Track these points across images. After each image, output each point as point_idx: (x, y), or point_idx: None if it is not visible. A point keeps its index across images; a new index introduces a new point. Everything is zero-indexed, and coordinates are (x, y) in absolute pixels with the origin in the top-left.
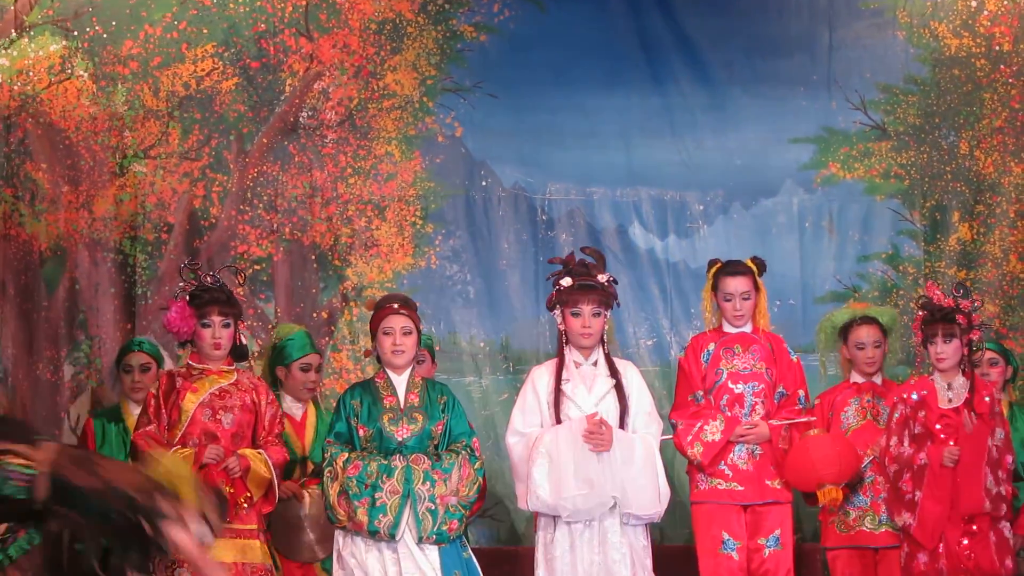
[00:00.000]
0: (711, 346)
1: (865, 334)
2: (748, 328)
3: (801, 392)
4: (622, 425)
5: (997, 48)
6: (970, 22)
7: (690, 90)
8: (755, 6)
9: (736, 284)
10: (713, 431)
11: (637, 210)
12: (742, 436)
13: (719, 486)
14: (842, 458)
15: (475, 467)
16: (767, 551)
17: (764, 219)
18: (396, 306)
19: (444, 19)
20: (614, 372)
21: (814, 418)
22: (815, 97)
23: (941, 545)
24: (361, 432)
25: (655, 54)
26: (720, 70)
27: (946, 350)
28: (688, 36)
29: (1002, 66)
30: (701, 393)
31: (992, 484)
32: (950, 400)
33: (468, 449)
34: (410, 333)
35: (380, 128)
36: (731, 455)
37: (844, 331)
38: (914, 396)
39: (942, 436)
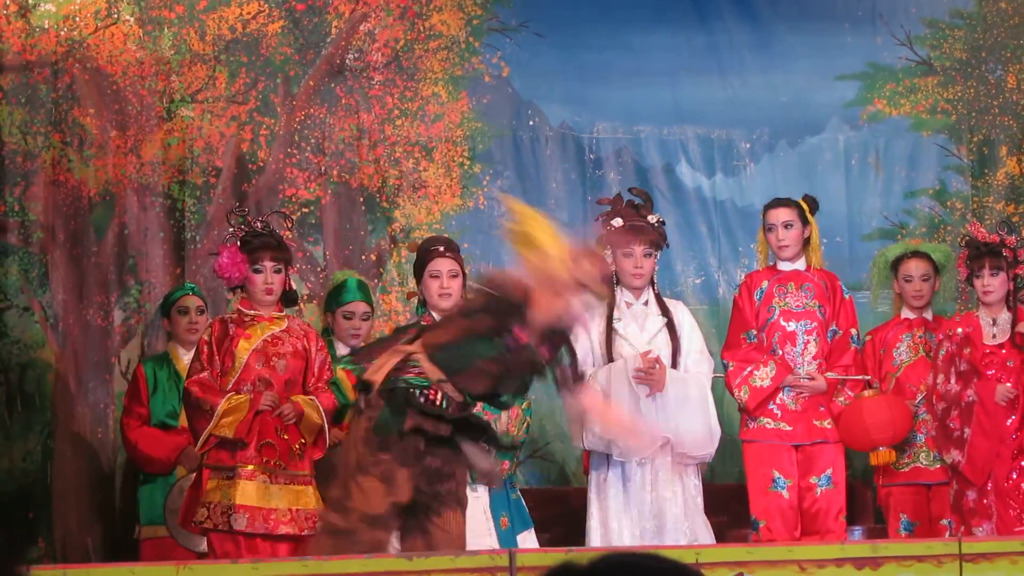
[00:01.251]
0: (764, 283)
1: (914, 267)
2: (802, 265)
3: (854, 331)
4: (674, 364)
5: None
6: None
7: (735, 27)
8: None
9: (777, 215)
10: (763, 376)
11: (684, 148)
12: (798, 387)
13: (768, 425)
14: (895, 421)
15: (523, 407)
16: (819, 490)
17: (810, 157)
18: (442, 248)
19: None
20: (665, 311)
21: (870, 377)
22: (860, 33)
23: (990, 483)
24: None
25: None
26: (765, 7)
27: (993, 283)
28: None
29: None
30: (754, 332)
31: None
32: (994, 336)
33: None
34: (456, 276)
35: (426, 69)
36: (780, 395)
37: (895, 265)
38: (959, 332)
39: (989, 372)
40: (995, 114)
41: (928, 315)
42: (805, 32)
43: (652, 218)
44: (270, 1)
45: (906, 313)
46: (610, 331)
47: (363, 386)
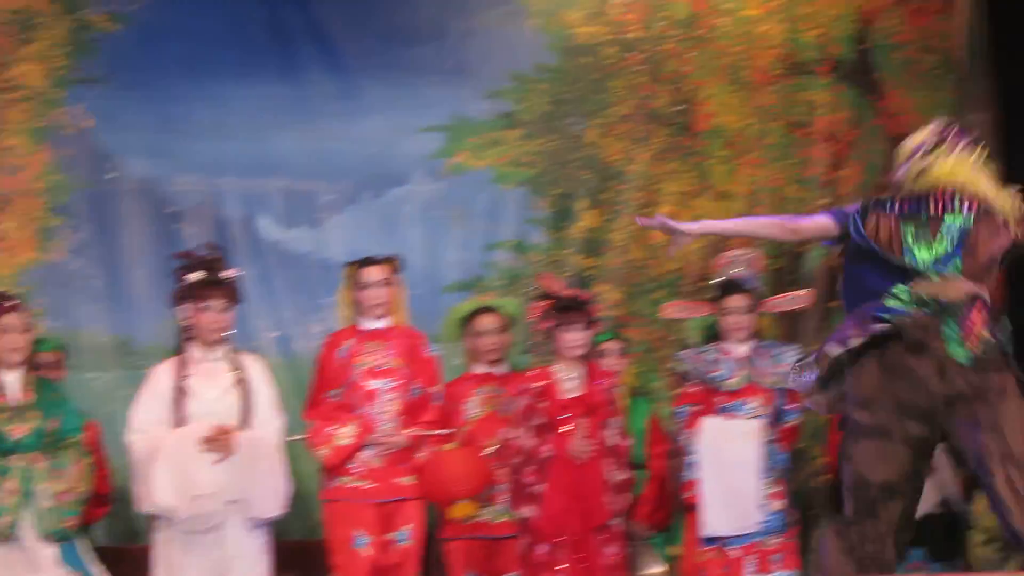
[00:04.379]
0: (347, 342)
1: (487, 322)
2: (386, 324)
3: (436, 389)
4: (246, 420)
5: (627, 36)
6: (601, 10)
7: (322, 79)
8: None
9: (370, 273)
10: (346, 435)
11: (266, 201)
12: (378, 445)
13: (349, 483)
14: (474, 475)
15: (88, 462)
16: (398, 546)
17: (392, 208)
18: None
19: (77, 8)
20: (238, 366)
21: (451, 430)
22: (446, 85)
23: (562, 537)
24: None
25: (287, 43)
26: (352, 59)
27: (578, 338)
28: (320, 24)
29: (630, 54)
30: (337, 390)
31: (613, 474)
32: (571, 390)
33: (79, 444)
34: (26, 331)
35: (7, 120)
36: (362, 452)
37: (467, 321)
38: (535, 386)
39: (565, 427)
40: (575, 167)
41: (501, 369)
42: (391, 84)
43: (228, 272)
44: None
45: (477, 368)
46: (181, 389)
47: None
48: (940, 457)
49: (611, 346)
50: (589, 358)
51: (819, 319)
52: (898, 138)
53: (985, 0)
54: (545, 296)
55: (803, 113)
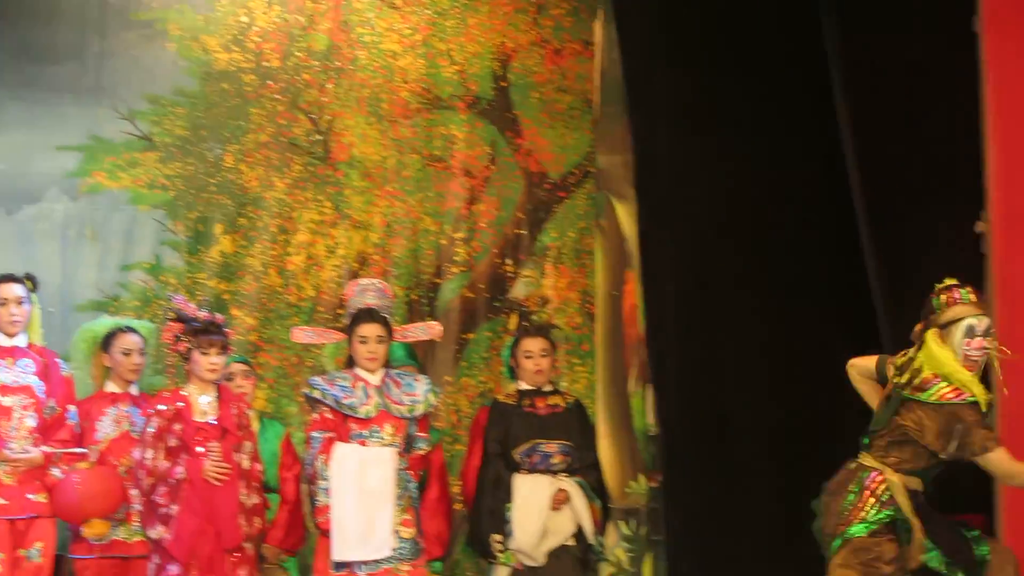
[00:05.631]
0: None
1: (129, 342)
2: (22, 342)
3: (71, 407)
4: None
5: (266, 64)
6: (240, 37)
7: None
8: (25, 11)
9: (6, 290)
10: None
11: None
12: (10, 462)
13: None
14: (109, 493)
15: None
16: (29, 563)
17: (27, 226)
18: None
19: None
20: None
21: (86, 450)
22: (83, 104)
23: (195, 559)
24: None
25: None
26: None
27: (213, 361)
28: None
29: (269, 82)
30: None
31: (245, 497)
32: (205, 413)
33: None
34: None
35: None
36: None
37: (103, 340)
38: (169, 408)
39: (198, 449)
40: (212, 192)
41: (134, 390)
42: (28, 100)
43: None
44: None
45: (111, 387)
46: None
47: None
48: (574, 488)
49: (237, 368)
50: (222, 381)
51: (453, 350)
52: (535, 175)
53: (620, 45)
54: (179, 319)
55: (441, 147)
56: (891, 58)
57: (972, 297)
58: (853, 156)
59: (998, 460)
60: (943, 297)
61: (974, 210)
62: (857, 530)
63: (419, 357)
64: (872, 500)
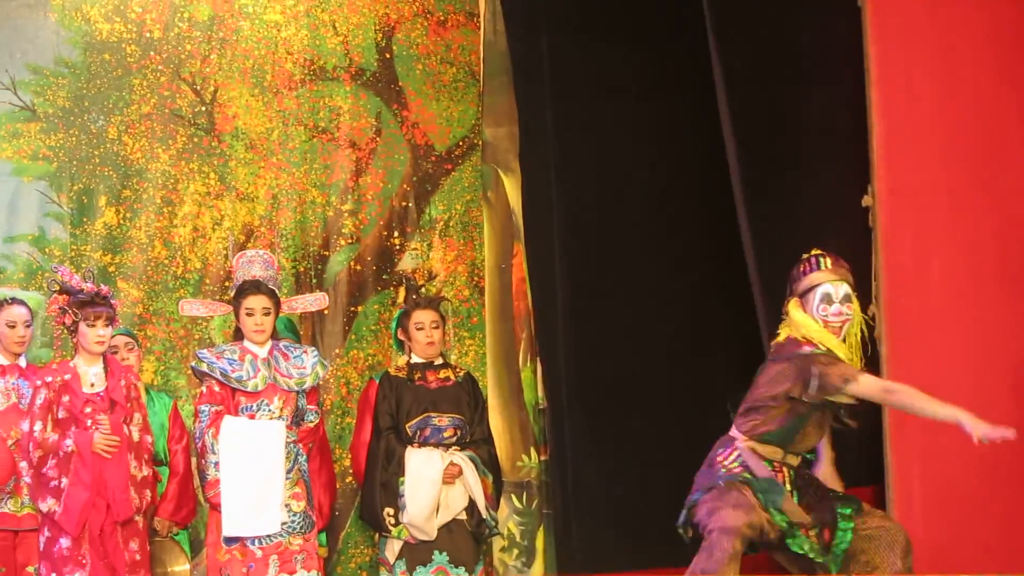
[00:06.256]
0: None
1: (15, 314)
2: None
3: None
4: None
5: (148, 35)
6: (122, 8)
7: None
8: None
9: None
10: None
11: None
12: None
13: None
14: None
15: None
16: None
17: None
18: None
19: None
20: None
21: None
22: None
23: (85, 532)
24: None
25: None
26: None
27: (99, 334)
28: None
29: (152, 53)
30: None
31: (136, 470)
32: (93, 384)
33: None
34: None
35: None
36: None
37: None
38: (56, 380)
39: (88, 422)
40: (95, 163)
41: (22, 361)
42: None
43: None
44: None
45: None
46: None
47: None
48: (466, 462)
49: (121, 340)
50: (109, 353)
51: (342, 323)
52: (421, 147)
53: (504, 16)
54: (64, 291)
55: (326, 119)
56: (774, 30)
57: (828, 263)
58: (732, 129)
59: (867, 384)
60: (802, 267)
61: (861, 184)
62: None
63: (303, 330)
64: (723, 471)
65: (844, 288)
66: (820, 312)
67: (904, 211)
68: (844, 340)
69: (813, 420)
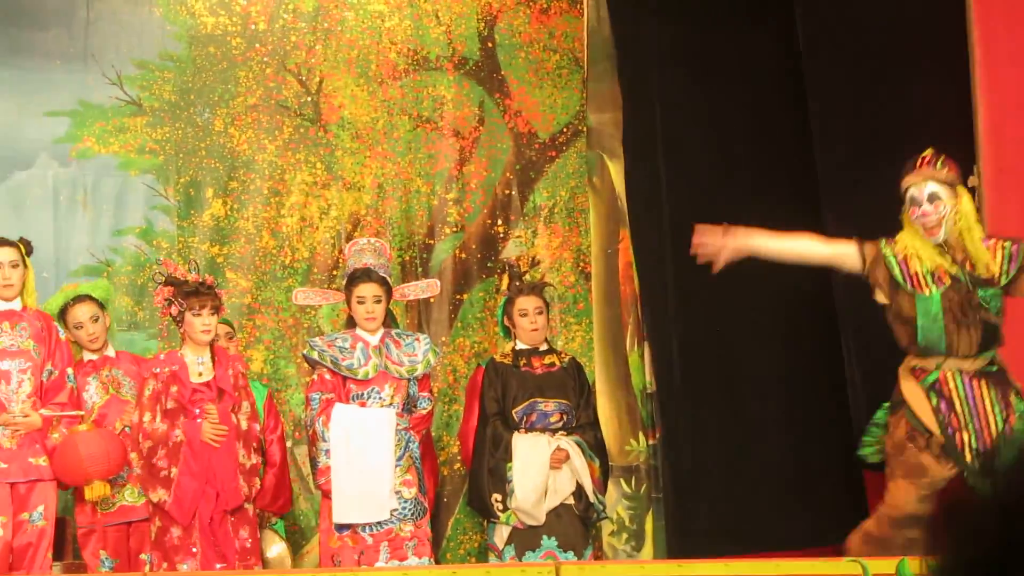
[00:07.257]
0: None
1: (81, 312)
2: (18, 306)
3: (70, 370)
4: None
5: (252, 27)
6: (227, 1)
7: None
8: None
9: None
10: None
11: None
12: (10, 425)
13: None
14: (110, 455)
15: None
16: (30, 527)
17: (18, 192)
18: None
19: None
20: None
21: (83, 412)
22: (71, 70)
23: (196, 521)
24: None
25: None
26: None
27: (206, 323)
28: None
29: (257, 45)
30: None
31: (244, 458)
32: (201, 374)
33: None
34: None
35: None
36: None
37: (63, 312)
38: (165, 370)
39: (196, 411)
40: (202, 156)
41: (110, 351)
42: (15, 67)
43: None
44: None
45: (89, 355)
46: None
47: None
48: (573, 447)
49: (220, 330)
50: (216, 343)
51: (448, 311)
52: (524, 135)
53: (608, 2)
54: (168, 282)
55: (430, 108)
56: (876, 9)
57: (916, 164)
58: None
59: None
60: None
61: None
62: None
63: (410, 319)
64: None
65: (929, 187)
66: (912, 216)
67: (1011, 191)
68: (945, 240)
69: None
